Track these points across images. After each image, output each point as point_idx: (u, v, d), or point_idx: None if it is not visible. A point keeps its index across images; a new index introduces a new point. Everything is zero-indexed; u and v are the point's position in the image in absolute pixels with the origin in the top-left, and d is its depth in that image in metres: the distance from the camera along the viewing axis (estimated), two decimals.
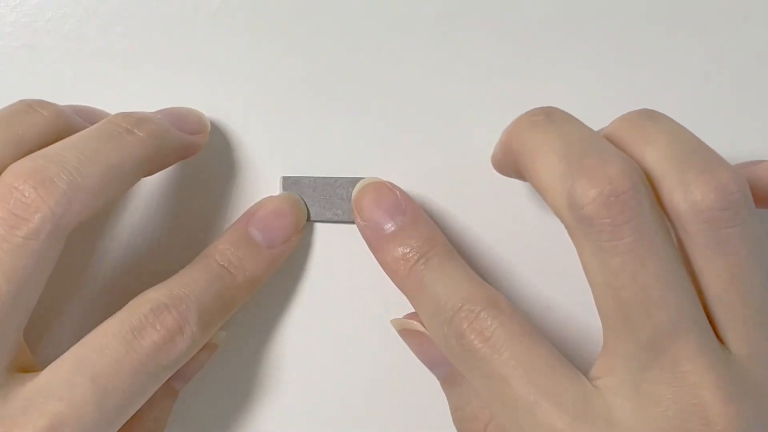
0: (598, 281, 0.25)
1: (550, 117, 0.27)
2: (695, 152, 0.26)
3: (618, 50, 0.34)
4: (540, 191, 0.27)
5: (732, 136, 0.33)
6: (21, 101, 0.28)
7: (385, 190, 0.31)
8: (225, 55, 0.33)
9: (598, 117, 0.29)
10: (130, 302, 0.28)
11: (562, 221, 0.26)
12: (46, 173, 0.25)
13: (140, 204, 0.33)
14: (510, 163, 0.29)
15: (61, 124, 0.28)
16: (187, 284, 0.28)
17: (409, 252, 0.29)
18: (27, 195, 0.25)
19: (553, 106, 0.28)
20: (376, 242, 0.30)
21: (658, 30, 0.34)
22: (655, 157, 0.26)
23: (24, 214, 0.25)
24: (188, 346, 0.27)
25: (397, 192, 0.31)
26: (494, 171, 0.31)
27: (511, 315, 0.27)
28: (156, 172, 0.30)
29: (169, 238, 0.33)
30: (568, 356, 0.27)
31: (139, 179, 0.28)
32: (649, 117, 0.27)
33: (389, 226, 0.30)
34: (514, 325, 0.27)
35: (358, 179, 0.33)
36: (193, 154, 0.31)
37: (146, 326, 0.27)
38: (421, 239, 0.30)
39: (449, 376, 0.30)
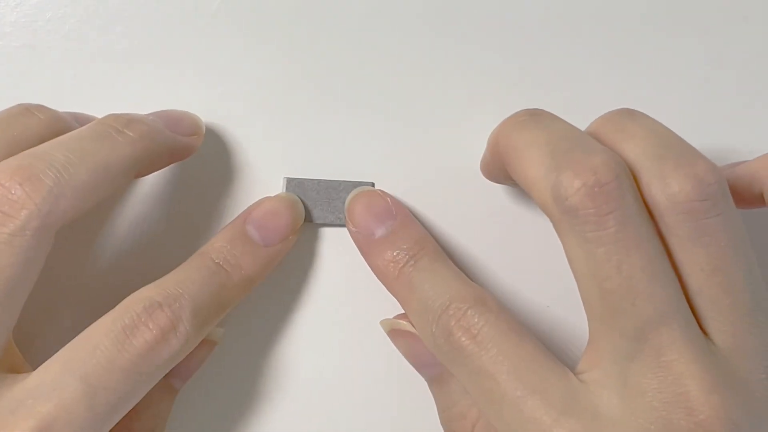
0: (583, 273, 0.26)
1: (534, 117, 0.28)
2: (673, 146, 0.26)
3: (618, 51, 0.33)
4: (526, 187, 0.27)
5: (732, 136, 0.33)
6: (19, 104, 0.28)
7: (376, 197, 0.32)
8: (225, 55, 0.33)
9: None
10: (123, 301, 0.27)
11: (548, 215, 0.26)
12: (33, 170, 0.25)
13: (139, 204, 0.33)
14: (497, 164, 0.29)
15: (58, 129, 0.28)
16: (182, 282, 0.28)
17: (398, 254, 0.30)
18: (13, 192, 0.25)
19: (540, 108, 0.28)
20: (366, 247, 0.31)
21: (658, 30, 0.33)
22: (634, 152, 0.26)
23: (10, 211, 0.25)
24: (182, 346, 0.27)
25: (388, 198, 0.32)
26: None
27: (498, 313, 0.27)
28: (149, 173, 0.30)
29: (168, 238, 0.33)
30: (560, 356, 0.27)
31: (130, 180, 0.28)
32: (628, 114, 0.28)
33: (380, 231, 0.30)
34: (501, 322, 0.27)
35: (361, 183, 0.33)
36: (187, 156, 0.31)
37: (139, 325, 0.26)
38: (410, 241, 0.30)
39: (437, 377, 0.30)
